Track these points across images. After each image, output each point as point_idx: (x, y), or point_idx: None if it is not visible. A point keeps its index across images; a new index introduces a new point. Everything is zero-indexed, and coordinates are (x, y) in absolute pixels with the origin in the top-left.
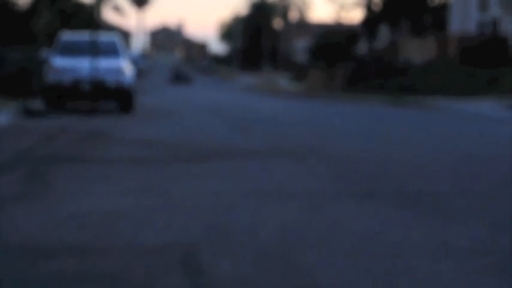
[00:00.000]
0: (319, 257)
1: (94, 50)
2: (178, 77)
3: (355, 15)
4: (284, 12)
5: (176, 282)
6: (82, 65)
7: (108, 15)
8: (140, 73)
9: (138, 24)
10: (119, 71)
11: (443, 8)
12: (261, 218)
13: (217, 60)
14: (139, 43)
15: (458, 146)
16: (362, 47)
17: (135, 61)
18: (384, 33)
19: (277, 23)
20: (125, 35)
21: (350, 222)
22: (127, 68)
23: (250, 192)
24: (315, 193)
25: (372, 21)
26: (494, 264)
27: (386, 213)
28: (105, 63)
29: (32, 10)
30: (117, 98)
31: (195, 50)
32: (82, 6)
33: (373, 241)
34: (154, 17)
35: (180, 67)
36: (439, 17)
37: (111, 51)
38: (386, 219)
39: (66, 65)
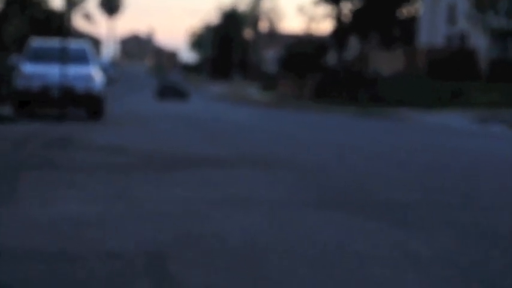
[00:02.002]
0: (286, 266)
1: (64, 56)
2: (168, 91)
3: (325, 27)
4: (254, 22)
5: None
6: (52, 72)
7: (79, 22)
8: (110, 81)
9: (109, 32)
10: (88, 78)
11: (412, 21)
12: (229, 226)
13: (188, 69)
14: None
15: (424, 158)
16: (331, 58)
17: (104, 68)
18: (353, 44)
19: (247, 33)
20: (95, 42)
21: (316, 231)
22: (97, 75)
23: (219, 201)
24: (283, 202)
25: (341, 32)
26: (458, 274)
27: (352, 223)
28: (74, 70)
29: (2, 16)
30: (86, 104)
31: (165, 58)
32: (52, 13)
33: (338, 251)
34: (124, 25)
35: (169, 76)
36: (408, 30)
37: (81, 58)
38: (352, 229)
39: (36, 72)
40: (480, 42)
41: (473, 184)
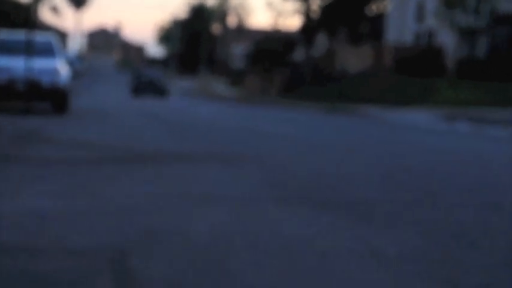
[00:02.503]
0: (250, 261)
1: (29, 49)
2: (144, 87)
3: (293, 22)
4: (223, 17)
5: (104, 286)
6: (17, 65)
7: (45, 15)
8: (76, 74)
9: (76, 25)
10: (54, 72)
11: (380, 18)
12: (193, 222)
13: (155, 63)
14: (76, 44)
15: (391, 155)
16: (299, 54)
17: (71, 62)
18: (321, 41)
19: (215, 28)
20: (62, 35)
21: (282, 227)
22: (62, 69)
23: (183, 196)
24: (247, 198)
25: (309, 28)
26: (423, 271)
27: (317, 219)
28: (40, 63)
29: None
30: (52, 98)
31: (132, 52)
32: (19, 6)
33: (302, 246)
34: (91, 19)
35: (145, 71)
36: (376, 27)
37: (47, 51)
38: (316, 225)
39: (1, 65)
40: (448, 40)
41: (438, 181)
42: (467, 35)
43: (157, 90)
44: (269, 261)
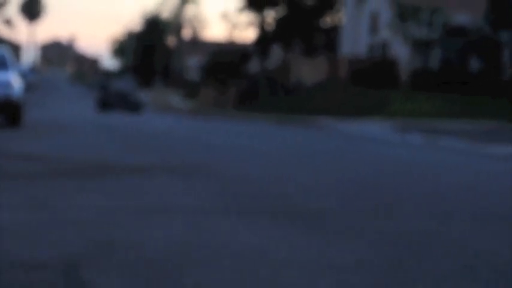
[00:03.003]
0: (204, 274)
1: None
2: (114, 101)
3: (248, 35)
4: (177, 30)
5: None
6: None
7: None
8: (29, 87)
9: (29, 37)
10: (7, 85)
11: (334, 30)
12: (147, 235)
13: (109, 76)
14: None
15: (345, 166)
16: (254, 66)
17: (24, 74)
18: (276, 53)
19: (170, 40)
20: (15, 48)
21: (236, 239)
22: (15, 82)
23: (137, 209)
24: (202, 210)
25: (264, 40)
26: (376, 281)
27: (271, 230)
28: None
29: None
30: (5, 111)
31: (86, 65)
32: None
33: (256, 258)
34: (45, 31)
35: (115, 83)
36: (331, 39)
37: (0, 64)
38: (271, 236)
39: None
40: (402, 52)
41: (391, 192)
42: (421, 46)
43: (130, 105)
44: (223, 274)
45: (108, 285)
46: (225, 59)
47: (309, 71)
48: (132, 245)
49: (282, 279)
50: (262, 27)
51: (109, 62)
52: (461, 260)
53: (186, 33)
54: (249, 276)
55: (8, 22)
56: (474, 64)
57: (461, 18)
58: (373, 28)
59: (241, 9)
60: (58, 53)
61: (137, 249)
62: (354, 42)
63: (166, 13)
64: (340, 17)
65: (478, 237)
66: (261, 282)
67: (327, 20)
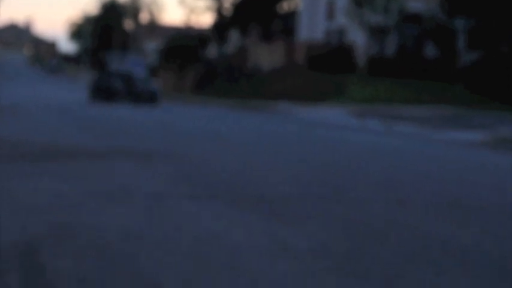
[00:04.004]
0: (161, 257)
1: None
2: (116, 88)
3: (206, 19)
4: (135, 14)
5: (14, 282)
6: None
7: None
8: None
9: None
10: None
11: (292, 15)
12: (104, 218)
13: (67, 59)
14: None
15: (303, 152)
16: (212, 51)
17: None
18: (234, 37)
19: (128, 24)
20: None
21: (193, 224)
22: None
23: (94, 193)
24: (160, 195)
25: (222, 25)
26: (331, 265)
27: (229, 215)
28: None
29: None
30: None
31: (43, 48)
32: None
33: (213, 242)
34: (1, 14)
35: (122, 65)
36: (288, 24)
37: None
38: (228, 220)
39: None
40: (358, 38)
41: (348, 177)
42: (377, 33)
43: (140, 93)
44: (179, 257)
45: (64, 268)
46: (183, 43)
47: (266, 56)
48: (88, 229)
49: (239, 262)
50: (219, 12)
51: (67, 45)
52: (416, 245)
53: (144, 17)
54: (206, 260)
55: None
56: (429, 51)
57: (417, 5)
58: (330, 14)
59: None
60: (14, 36)
61: (94, 233)
62: (311, 28)
63: None
64: (297, 2)
65: (432, 222)
66: (218, 266)
67: (284, 6)
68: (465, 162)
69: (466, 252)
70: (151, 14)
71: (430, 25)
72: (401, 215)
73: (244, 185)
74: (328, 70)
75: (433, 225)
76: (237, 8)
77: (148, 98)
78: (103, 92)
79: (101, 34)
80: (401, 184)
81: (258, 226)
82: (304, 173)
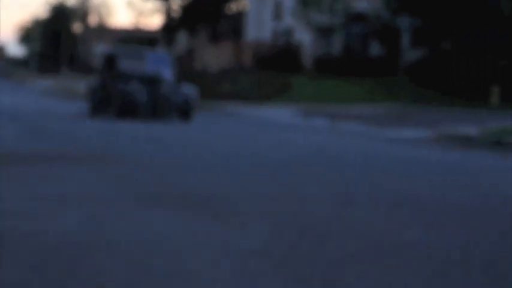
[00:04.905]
0: (104, 261)
1: None
2: (130, 99)
3: (154, 21)
4: (84, 16)
5: None
6: None
7: None
8: None
9: None
10: None
11: (239, 16)
12: (46, 223)
13: (15, 63)
14: None
15: (250, 151)
16: None
17: None
18: (182, 39)
19: (76, 27)
20: None
21: (136, 226)
22: None
23: (38, 197)
24: (104, 198)
25: (170, 27)
26: (274, 265)
27: (173, 217)
28: None
29: None
30: None
31: None
32: None
33: (157, 245)
34: None
35: (130, 56)
36: (236, 25)
37: None
38: (172, 223)
39: None
40: (305, 38)
41: (293, 176)
42: (323, 33)
43: (169, 106)
44: (123, 261)
45: (4, 275)
46: (132, 45)
47: (214, 57)
48: (32, 234)
49: (183, 265)
50: (168, 13)
51: (15, 48)
52: (359, 243)
53: (92, 20)
54: (149, 263)
55: None
56: (375, 50)
57: (362, 4)
58: (278, 14)
59: None
60: None
61: (38, 238)
62: (259, 29)
63: (72, 0)
64: (245, 3)
65: (377, 220)
66: (161, 269)
67: (232, 7)
68: (411, 160)
69: (410, 251)
70: (100, 16)
71: (375, 24)
72: (346, 214)
73: (188, 187)
74: (275, 70)
75: (378, 223)
76: (185, 9)
77: (181, 110)
78: (114, 103)
79: (50, 37)
80: (346, 183)
81: (200, 228)
82: (251, 173)
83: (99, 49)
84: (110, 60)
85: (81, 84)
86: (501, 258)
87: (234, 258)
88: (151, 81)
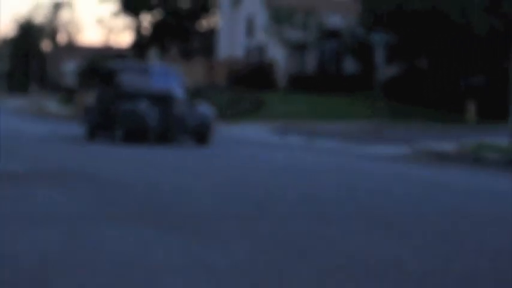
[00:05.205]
0: (77, 281)
1: None
2: (136, 122)
3: (125, 39)
4: (52, 34)
5: None
6: None
7: None
8: None
9: None
10: None
11: (211, 33)
12: (21, 244)
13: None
14: None
15: (223, 170)
16: None
17: None
18: (153, 56)
19: (45, 45)
20: None
21: (112, 245)
22: None
23: (10, 217)
24: (78, 217)
25: (141, 44)
26: (252, 282)
27: (149, 236)
28: None
29: None
30: None
31: None
32: None
33: (133, 263)
34: None
35: (135, 72)
36: (208, 42)
37: None
38: (148, 242)
39: None
40: (279, 55)
41: (269, 194)
42: (297, 50)
43: (182, 128)
44: (97, 280)
45: None
46: (102, 63)
47: (186, 74)
48: (6, 254)
49: (158, 284)
50: (138, 31)
51: None
52: (336, 260)
53: (61, 37)
54: (124, 282)
55: None
56: (349, 66)
57: (335, 20)
58: (250, 31)
59: (117, 13)
60: None
61: (10, 259)
62: (231, 46)
63: (40, 18)
64: (216, 20)
65: (353, 236)
66: (138, 287)
67: (204, 24)
68: (387, 176)
69: (387, 267)
70: (69, 34)
71: (349, 40)
72: (322, 231)
73: (164, 206)
74: (249, 87)
75: (354, 239)
76: (155, 26)
77: (197, 133)
78: (120, 125)
79: (18, 56)
80: (322, 199)
81: (176, 246)
82: (224, 191)
83: (69, 67)
84: (108, 77)
85: (52, 104)
86: (478, 274)
87: (212, 275)
88: (162, 100)
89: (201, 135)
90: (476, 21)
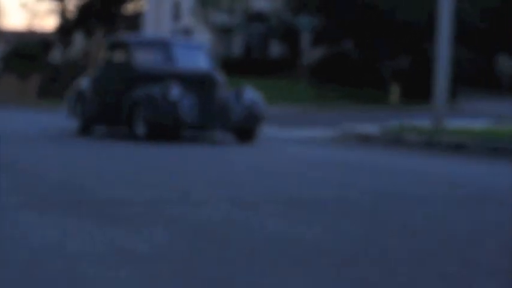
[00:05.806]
0: None
1: None
2: (168, 111)
3: (49, 23)
4: None
5: None
6: None
7: None
8: None
9: None
10: None
11: (137, 17)
12: None
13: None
14: None
15: (146, 155)
16: (57, 55)
17: None
18: (79, 41)
19: None
20: None
21: (29, 233)
22: None
23: None
24: None
25: (66, 29)
26: (171, 269)
27: (67, 222)
28: None
29: None
30: None
31: None
32: None
33: (51, 251)
34: None
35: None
36: (133, 26)
37: None
38: (66, 228)
39: None
40: (205, 39)
41: (189, 180)
42: (223, 33)
43: (226, 120)
44: (15, 270)
45: None
46: (26, 48)
47: None
48: None
49: (79, 271)
50: (63, 15)
51: None
52: (257, 245)
53: None
54: (45, 270)
55: None
56: (276, 49)
57: (262, 4)
58: (176, 14)
59: None
60: None
61: None
62: (157, 29)
63: None
64: (142, 4)
65: (272, 220)
66: (57, 275)
67: (130, 7)
68: (312, 159)
69: (307, 250)
70: None
71: (275, 24)
72: (242, 215)
73: (84, 192)
74: None
75: (273, 223)
76: (81, 10)
77: (242, 127)
78: (140, 117)
79: None
80: (241, 184)
81: (97, 233)
82: (146, 177)
83: None
84: (116, 53)
85: None
86: (392, 251)
87: (133, 262)
88: (199, 84)
89: (246, 129)
90: (399, 5)
